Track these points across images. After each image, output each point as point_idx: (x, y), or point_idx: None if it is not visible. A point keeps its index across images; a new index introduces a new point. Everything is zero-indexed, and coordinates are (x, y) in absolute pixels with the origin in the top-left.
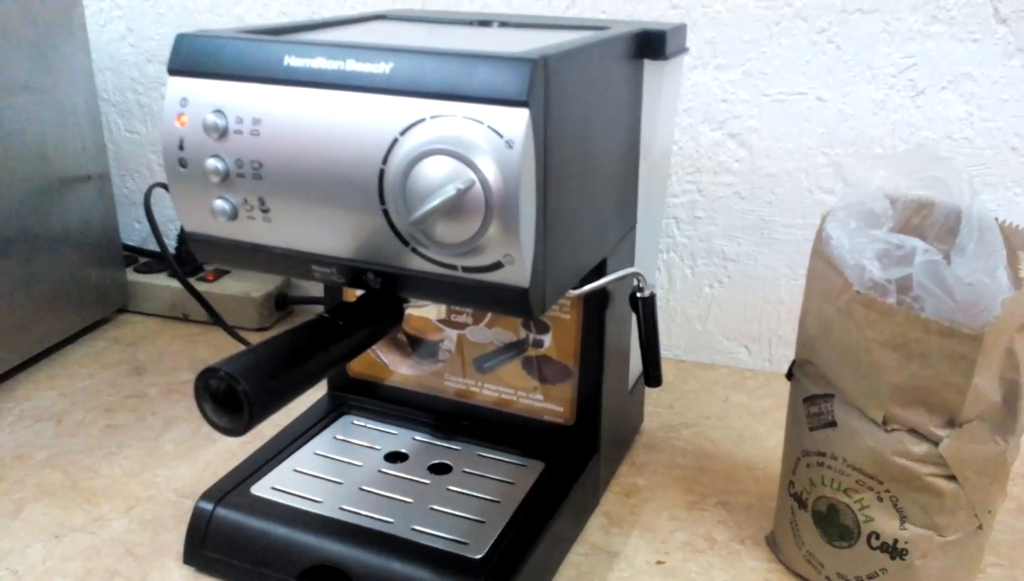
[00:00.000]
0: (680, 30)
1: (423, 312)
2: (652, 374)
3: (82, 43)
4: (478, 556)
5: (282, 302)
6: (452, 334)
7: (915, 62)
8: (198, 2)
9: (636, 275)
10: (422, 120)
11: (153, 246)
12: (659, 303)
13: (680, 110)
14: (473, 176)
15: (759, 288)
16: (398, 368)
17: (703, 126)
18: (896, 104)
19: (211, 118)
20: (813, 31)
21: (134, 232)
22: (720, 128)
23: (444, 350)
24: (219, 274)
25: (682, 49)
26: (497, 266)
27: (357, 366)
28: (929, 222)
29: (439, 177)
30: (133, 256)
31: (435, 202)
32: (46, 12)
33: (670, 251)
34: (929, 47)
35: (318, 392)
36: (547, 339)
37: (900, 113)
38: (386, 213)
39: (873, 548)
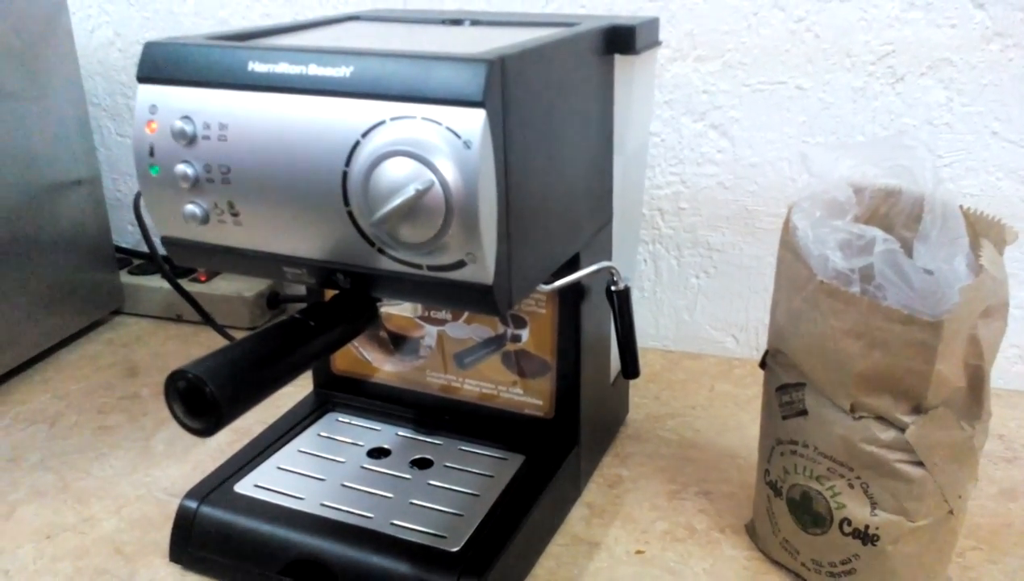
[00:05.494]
0: (652, 24)
1: (401, 310)
2: (629, 366)
3: (68, 50)
4: (455, 549)
5: (274, 301)
6: (433, 331)
7: (894, 49)
8: (183, 6)
9: (609, 269)
10: (382, 122)
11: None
12: (646, 294)
13: (661, 102)
14: (432, 177)
15: (745, 277)
16: (381, 365)
17: (685, 118)
18: (876, 91)
19: (179, 124)
20: (791, 20)
21: (128, 235)
22: (701, 119)
23: (425, 346)
24: (211, 275)
25: (654, 43)
26: (460, 264)
27: (342, 363)
28: (897, 210)
29: (400, 178)
30: (127, 258)
31: (394, 203)
32: (31, 21)
33: (655, 242)
34: (907, 33)
35: (303, 390)
36: (525, 334)
37: (880, 100)
38: (351, 214)
39: (845, 534)
